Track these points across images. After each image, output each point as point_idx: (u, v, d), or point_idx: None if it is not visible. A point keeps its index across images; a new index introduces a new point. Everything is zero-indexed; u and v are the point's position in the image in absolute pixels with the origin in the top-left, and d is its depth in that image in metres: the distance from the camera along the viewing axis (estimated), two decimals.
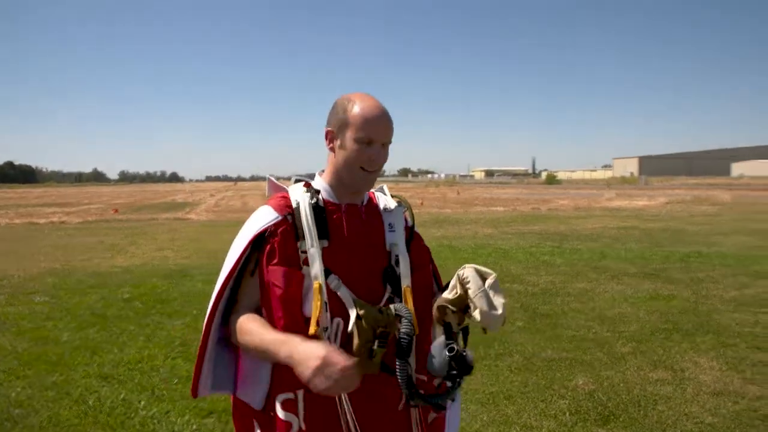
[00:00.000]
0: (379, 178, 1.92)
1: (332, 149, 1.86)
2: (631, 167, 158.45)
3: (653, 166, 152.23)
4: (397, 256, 1.87)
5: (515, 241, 14.95)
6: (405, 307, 1.73)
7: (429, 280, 1.97)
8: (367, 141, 1.77)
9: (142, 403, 4.58)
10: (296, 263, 1.76)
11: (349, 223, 1.85)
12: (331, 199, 1.86)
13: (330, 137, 1.86)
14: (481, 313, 1.63)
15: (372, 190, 2.04)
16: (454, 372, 1.64)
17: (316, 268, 1.74)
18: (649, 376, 5.04)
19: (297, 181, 1.98)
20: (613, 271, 10.18)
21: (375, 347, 1.71)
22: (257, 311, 1.78)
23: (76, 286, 9.38)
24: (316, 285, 1.72)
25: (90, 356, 5.73)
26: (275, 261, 1.76)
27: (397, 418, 1.84)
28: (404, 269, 1.86)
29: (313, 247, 1.76)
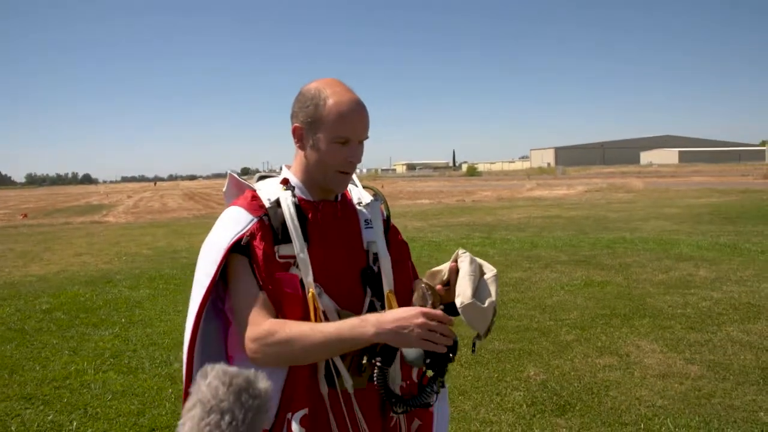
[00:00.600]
0: None
1: (302, 148, 1.66)
2: (547, 158, 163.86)
3: (569, 156, 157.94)
4: (375, 254, 1.71)
5: (445, 234, 15.05)
6: None
7: (408, 279, 1.82)
8: (343, 141, 1.58)
9: (75, 424, 4.20)
10: (281, 268, 1.58)
11: (326, 223, 1.67)
12: (304, 197, 1.68)
13: (299, 135, 1.65)
14: (464, 300, 1.51)
15: None
16: (429, 360, 1.49)
17: (306, 274, 1.56)
18: (596, 362, 5.09)
19: (262, 177, 1.79)
20: (546, 259, 10.37)
21: (364, 362, 1.58)
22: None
23: None
24: (310, 294, 1.55)
25: (9, 376, 5.24)
26: (276, 267, 1.57)
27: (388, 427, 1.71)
28: (386, 269, 1.70)
29: (302, 253, 1.57)
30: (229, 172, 1.85)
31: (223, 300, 1.67)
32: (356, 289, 1.66)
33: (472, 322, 1.52)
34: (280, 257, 1.58)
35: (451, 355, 1.47)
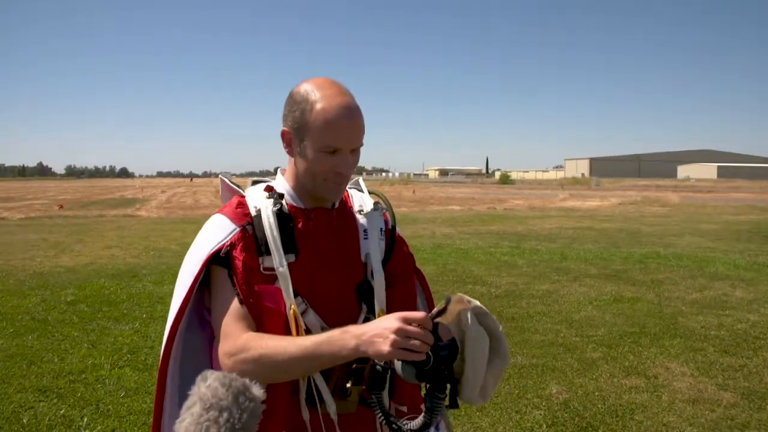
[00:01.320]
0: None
1: (290, 153, 1.55)
2: (582, 168, 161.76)
3: (603, 168, 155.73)
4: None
5: (474, 241, 14.84)
6: None
7: (410, 296, 1.68)
8: (331, 150, 1.45)
9: (85, 420, 4.17)
10: (263, 280, 1.47)
11: (319, 233, 1.55)
12: (295, 204, 1.56)
13: (287, 140, 1.53)
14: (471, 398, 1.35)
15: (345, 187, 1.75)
16: (418, 373, 1.30)
17: (286, 289, 1.45)
18: (622, 383, 4.89)
19: (255, 182, 1.68)
20: (575, 272, 10.12)
21: (349, 385, 1.45)
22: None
23: (15, 288, 8.78)
24: (291, 311, 1.44)
25: (27, 366, 5.26)
26: (257, 280, 1.46)
27: None
28: (378, 285, 1.57)
29: (282, 267, 1.45)
30: (220, 176, 1.74)
31: (210, 311, 1.58)
32: (350, 305, 1.54)
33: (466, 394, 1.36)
34: (264, 269, 1.47)
35: (439, 363, 1.29)
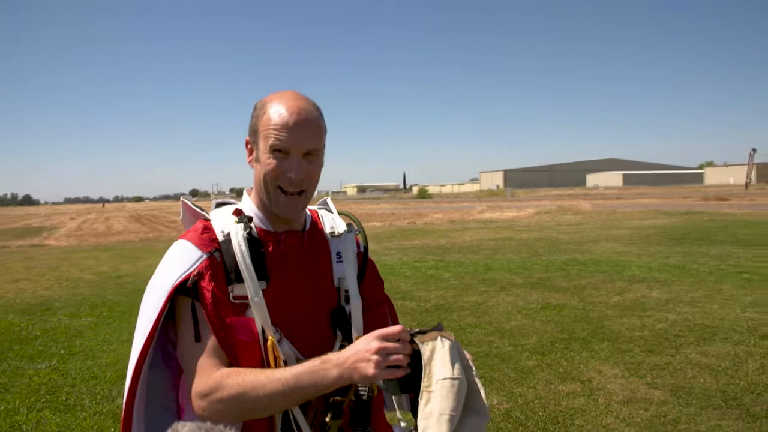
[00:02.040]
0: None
1: (251, 163, 1.49)
2: (496, 180, 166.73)
3: (517, 179, 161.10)
4: (347, 292, 1.52)
5: (398, 257, 14.91)
6: None
7: (384, 322, 1.62)
8: (281, 150, 1.38)
9: None
10: (234, 311, 1.38)
11: (289, 257, 1.47)
12: (264, 227, 1.47)
13: (249, 149, 1.49)
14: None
15: (314, 208, 1.67)
16: (402, 386, 1.28)
17: (262, 320, 1.37)
18: (559, 389, 4.98)
19: (219, 204, 1.58)
20: (501, 282, 10.32)
21: (328, 419, 1.38)
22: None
23: None
24: (269, 343, 1.36)
25: None
26: (227, 311, 1.37)
27: None
28: (355, 312, 1.51)
29: (257, 296, 1.37)
30: (182, 198, 1.64)
31: (175, 344, 1.46)
32: (324, 332, 1.47)
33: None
34: (234, 298, 1.38)
35: (418, 371, 1.26)
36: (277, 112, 1.38)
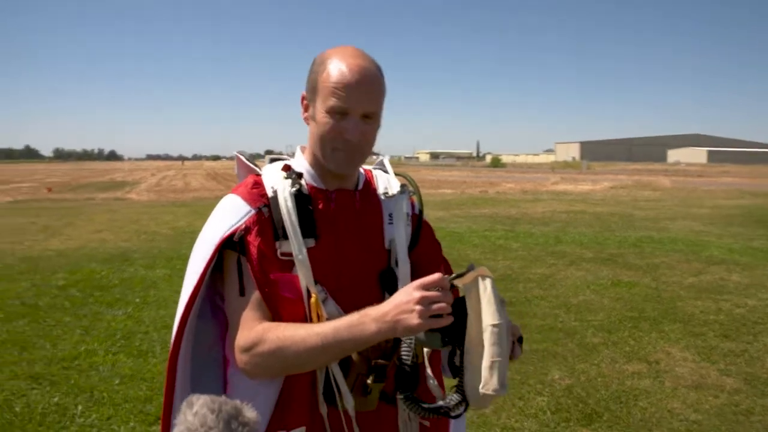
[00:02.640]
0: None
1: (306, 120, 1.45)
2: (572, 152, 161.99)
3: (594, 151, 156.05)
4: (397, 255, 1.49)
5: (467, 225, 14.77)
6: None
7: None
8: (339, 111, 1.34)
9: (80, 408, 4.07)
10: (280, 267, 1.37)
11: (340, 216, 1.44)
12: (315, 185, 1.45)
13: (304, 105, 1.45)
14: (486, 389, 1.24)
15: (369, 167, 1.63)
16: (446, 338, 1.26)
17: (306, 278, 1.35)
18: (624, 368, 4.84)
19: (273, 160, 1.55)
20: (571, 256, 10.07)
21: (370, 382, 1.36)
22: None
23: (4, 272, 8.64)
24: (313, 300, 1.34)
25: (18, 353, 5.15)
26: (273, 267, 1.36)
27: None
28: (403, 274, 1.47)
29: (301, 254, 1.35)
30: (236, 153, 1.61)
31: (223, 297, 1.47)
32: (373, 293, 1.44)
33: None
34: (281, 254, 1.37)
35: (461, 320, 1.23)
36: (338, 69, 1.34)
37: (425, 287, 1.20)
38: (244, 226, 1.37)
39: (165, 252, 10.47)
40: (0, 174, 55.13)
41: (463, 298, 1.25)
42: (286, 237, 1.37)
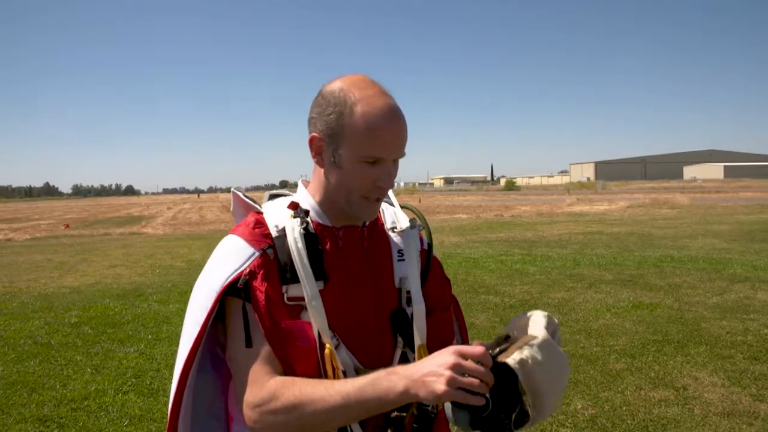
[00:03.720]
0: None
1: (320, 164, 1.32)
2: (587, 172, 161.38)
3: (609, 171, 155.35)
4: (408, 293, 1.37)
5: (483, 249, 14.60)
6: None
7: (448, 327, 1.46)
8: (372, 161, 1.24)
9: None
10: (290, 314, 1.26)
11: (348, 255, 1.33)
12: (321, 222, 1.34)
13: (316, 147, 1.30)
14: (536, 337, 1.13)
15: None
16: (474, 420, 1.09)
17: (320, 325, 1.24)
18: (650, 396, 4.65)
19: (273, 196, 1.46)
20: (589, 278, 9.87)
21: None
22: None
23: (18, 311, 8.62)
24: (327, 351, 1.23)
25: (28, 395, 5.06)
26: (282, 314, 1.25)
27: None
28: (418, 315, 1.35)
29: (315, 300, 1.24)
30: (233, 189, 1.51)
31: (224, 348, 1.36)
32: (384, 338, 1.33)
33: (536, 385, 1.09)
34: (289, 299, 1.26)
35: (498, 410, 1.07)
36: (372, 115, 1.21)
37: (463, 355, 1.07)
38: (248, 270, 1.26)
39: (178, 286, 10.41)
40: (19, 212, 55.82)
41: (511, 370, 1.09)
42: (294, 281, 1.26)
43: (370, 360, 1.28)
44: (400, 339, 1.34)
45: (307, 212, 1.33)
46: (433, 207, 40.16)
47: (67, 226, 29.72)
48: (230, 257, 1.29)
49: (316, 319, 1.24)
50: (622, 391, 4.77)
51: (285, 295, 1.26)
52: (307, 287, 1.24)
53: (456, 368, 1.05)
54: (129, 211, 49.86)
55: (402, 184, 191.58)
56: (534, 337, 1.14)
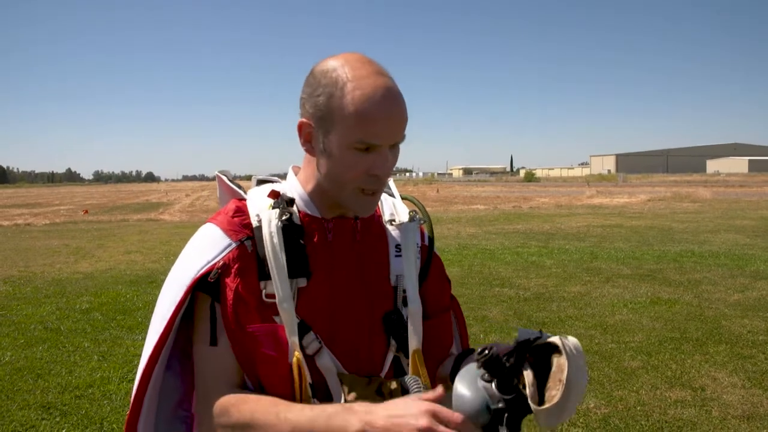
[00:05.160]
0: None
1: (309, 151, 1.19)
2: (608, 164, 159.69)
3: (630, 163, 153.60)
4: (405, 292, 1.24)
5: (500, 241, 14.43)
6: (417, 381, 1.13)
7: (446, 332, 1.34)
8: (365, 147, 1.10)
9: None
10: (262, 315, 1.14)
11: (339, 249, 1.21)
12: (310, 212, 1.21)
13: (305, 134, 1.17)
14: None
15: None
16: (502, 412, 0.96)
17: (290, 329, 1.12)
18: (666, 396, 4.49)
19: (261, 182, 1.33)
20: (607, 272, 9.67)
21: None
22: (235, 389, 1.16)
23: (31, 295, 8.64)
24: (295, 360, 1.12)
25: (34, 381, 5.03)
26: (252, 316, 1.14)
27: None
28: (414, 317, 1.23)
29: (286, 302, 1.12)
30: (217, 173, 1.39)
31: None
32: (376, 341, 1.21)
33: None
34: (267, 296, 1.14)
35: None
36: (363, 96, 1.08)
37: (437, 416, 0.94)
38: (221, 263, 1.15)
39: None
40: (41, 197, 56.47)
41: None
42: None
43: (358, 364, 1.17)
44: (393, 342, 1.23)
45: (291, 202, 1.21)
46: (451, 197, 39.96)
47: (86, 211, 29.97)
48: (204, 247, 1.19)
49: (286, 321, 1.12)
50: (637, 390, 4.62)
51: (263, 291, 1.15)
52: (279, 286, 1.13)
53: None
54: (148, 198, 50.24)
55: (421, 174, 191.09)
56: (565, 336, 1.04)
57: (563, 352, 0.98)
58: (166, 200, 44.51)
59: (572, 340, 1.02)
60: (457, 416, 0.95)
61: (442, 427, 0.92)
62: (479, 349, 0.99)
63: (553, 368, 0.99)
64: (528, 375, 0.97)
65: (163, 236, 17.28)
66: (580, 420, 4.09)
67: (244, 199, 1.26)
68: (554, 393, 0.96)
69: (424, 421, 0.92)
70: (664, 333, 6.11)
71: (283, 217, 1.17)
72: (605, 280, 9.05)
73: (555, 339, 1.00)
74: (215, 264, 1.15)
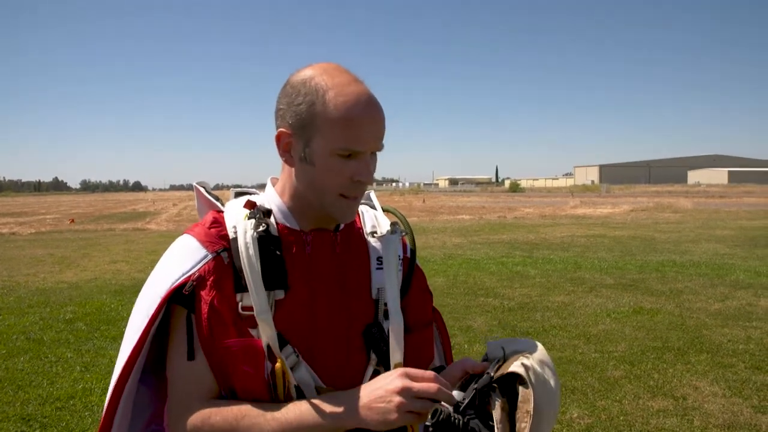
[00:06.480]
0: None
1: (289, 162, 1.20)
2: (591, 175, 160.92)
3: (613, 174, 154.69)
4: (386, 306, 1.24)
5: (485, 251, 14.48)
6: None
7: (427, 346, 1.35)
8: (347, 154, 1.12)
9: None
10: (239, 328, 1.14)
11: (317, 261, 1.21)
12: (288, 224, 1.22)
13: (284, 144, 1.18)
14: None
15: None
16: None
17: (270, 341, 1.13)
18: (649, 405, 4.54)
19: (239, 195, 1.34)
20: (590, 282, 9.75)
21: None
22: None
23: (15, 305, 8.54)
24: (278, 366, 1.12)
25: (14, 392, 4.98)
26: (228, 330, 1.14)
27: None
28: (395, 331, 1.23)
29: (264, 314, 1.12)
30: (195, 184, 1.39)
31: None
32: (355, 355, 1.21)
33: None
34: (243, 309, 1.14)
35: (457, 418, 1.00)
36: (349, 104, 1.10)
37: (411, 377, 1.03)
38: (197, 275, 1.15)
39: None
40: (27, 206, 55.85)
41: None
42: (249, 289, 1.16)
43: (336, 380, 1.17)
44: (373, 356, 1.23)
45: (268, 213, 1.21)
46: (436, 207, 40.03)
47: (73, 220, 29.67)
48: (180, 259, 1.19)
49: (265, 332, 1.13)
50: (619, 399, 4.66)
51: (240, 303, 1.15)
52: (256, 298, 1.13)
53: (404, 392, 1.00)
54: (135, 207, 49.84)
55: (407, 184, 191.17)
56: (531, 352, 1.10)
57: (527, 382, 1.01)
58: (153, 209, 44.17)
59: (537, 357, 1.06)
60: (429, 373, 1.03)
61: (416, 384, 1.01)
62: (430, 413, 1.01)
63: (519, 398, 1.03)
64: (496, 412, 1.01)
65: (149, 246, 17.16)
66: (564, 430, 4.13)
67: (222, 211, 1.26)
68: (523, 425, 1.00)
69: (399, 383, 1.02)
70: (646, 342, 6.17)
71: (260, 228, 1.17)
72: (588, 289, 9.12)
73: (517, 368, 1.03)
74: (191, 276, 1.15)
